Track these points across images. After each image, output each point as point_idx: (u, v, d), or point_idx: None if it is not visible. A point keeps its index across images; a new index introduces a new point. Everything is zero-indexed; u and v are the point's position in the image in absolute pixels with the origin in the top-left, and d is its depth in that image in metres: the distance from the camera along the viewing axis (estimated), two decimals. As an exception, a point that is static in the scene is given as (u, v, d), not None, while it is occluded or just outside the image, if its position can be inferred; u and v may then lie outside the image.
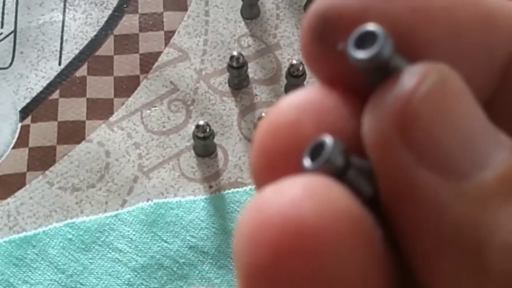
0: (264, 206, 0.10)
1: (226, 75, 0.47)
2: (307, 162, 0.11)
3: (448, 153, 0.10)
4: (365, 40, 0.11)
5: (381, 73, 0.11)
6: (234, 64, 0.45)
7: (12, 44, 0.49)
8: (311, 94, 0.12)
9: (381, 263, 0.10)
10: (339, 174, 0.11)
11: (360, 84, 0.11)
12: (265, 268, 0.10)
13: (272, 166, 0.12)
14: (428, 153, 0.10)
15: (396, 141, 0.10)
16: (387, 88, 0.10)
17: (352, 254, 0.10)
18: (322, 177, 0.10)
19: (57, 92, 0.46)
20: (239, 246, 0.10)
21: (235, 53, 0.45)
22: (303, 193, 0.10)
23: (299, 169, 0.11)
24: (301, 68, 0.45)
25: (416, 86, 0.10)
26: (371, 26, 0.11)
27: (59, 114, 0.45)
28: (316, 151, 0.11)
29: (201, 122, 0.43)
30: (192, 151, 0.45)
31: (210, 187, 0.44)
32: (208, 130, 0.43)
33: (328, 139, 0.11)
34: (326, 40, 0.12)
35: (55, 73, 0.47)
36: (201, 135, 0.43)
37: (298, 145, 0.11)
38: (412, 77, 0.10)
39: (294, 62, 0.45)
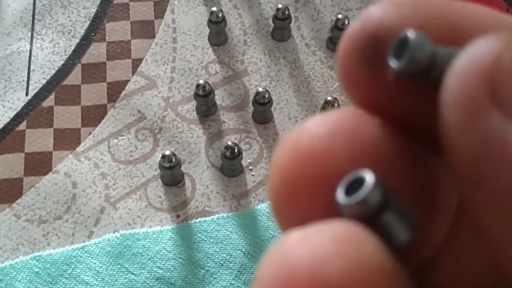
0: (290, 259, 0.09)
1: (194, 102, 0.47)
2: (340, 196, 0.10)
3: None
4: (402, 47, 0.10)
5: (436, 67, 0.10)
6: (200, 92, 0.45)
7: (-21, 74, 0.48)
8: (344, 120, 0.11)
9: None
10: (374, 215, 0.10)
11: (401, 109, 0.11)
12: None
13: (298, 196, 0.11)
14: None
15: (485, 100, 0.09)
16: (472, 50, 0.10)
17: None
18: (353, 225, 0.10)
19: (24, 123, 0.46)
20: None
21: (201, 81, 0.45)
22: (332, 246, 0.09)
23: (327, 203, 0.10)
24: (267, 96, 0.45)
25: (507, 45, 0.10)
26: (408, 32, 0.10)
27: (26, 146, 0.45)
28: (353, 186, 0.10)
29: (167, 152, 0.43)
30: (160, 180, 0.45)
31: (178, 216, 0.44)
32: (174, 159, 0.43)
33: (369, 176, 0.10)
34: (377, 62, 0.11)
35: (22, 104, 0.47)
36: (167, 165, 0.43)
37: (328, 177, 0.10)
38: (499, 39, 0.10)
39: (260, 89, 0.45)
